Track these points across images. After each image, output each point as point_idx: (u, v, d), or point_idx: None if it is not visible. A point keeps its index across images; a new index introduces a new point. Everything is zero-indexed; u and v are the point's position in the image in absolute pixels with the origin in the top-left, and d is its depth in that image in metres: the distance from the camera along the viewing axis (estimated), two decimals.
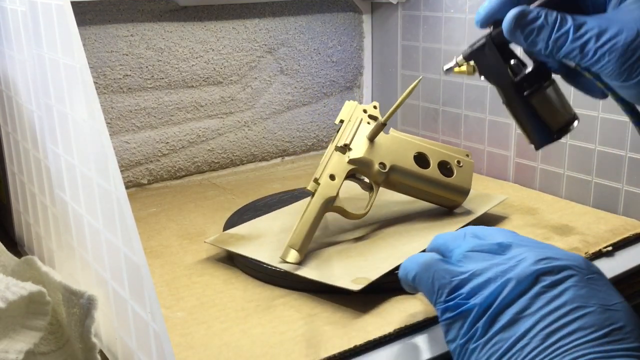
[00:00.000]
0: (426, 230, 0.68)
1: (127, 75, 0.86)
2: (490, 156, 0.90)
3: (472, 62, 0.51)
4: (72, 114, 0.48)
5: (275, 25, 0.97)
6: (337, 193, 0.64)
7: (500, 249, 0.47)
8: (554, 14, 0.45)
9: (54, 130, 0.53)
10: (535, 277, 0.43)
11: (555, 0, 0.46)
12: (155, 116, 0.90)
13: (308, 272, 0.59)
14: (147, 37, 0.87)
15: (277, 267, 0.60)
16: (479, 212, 0.71)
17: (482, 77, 0.52)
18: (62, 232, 0.57)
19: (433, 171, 0.70)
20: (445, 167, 0.71)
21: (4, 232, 0.78)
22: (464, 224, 0.68)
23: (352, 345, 0.50)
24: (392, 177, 0.68)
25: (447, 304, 0.45)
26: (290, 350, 0.50)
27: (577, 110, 0.51)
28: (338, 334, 0.52)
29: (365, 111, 0.72)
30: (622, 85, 0.44)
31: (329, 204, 0.63)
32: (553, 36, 0.45)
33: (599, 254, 0.66)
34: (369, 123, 0.70)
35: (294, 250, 0.60)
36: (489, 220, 0.73)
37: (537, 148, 0.51)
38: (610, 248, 0.66)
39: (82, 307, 0.46)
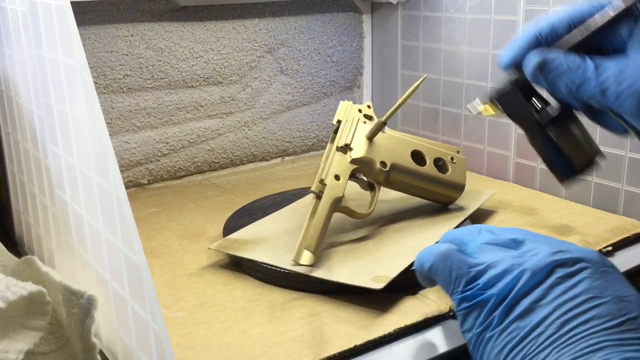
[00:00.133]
0: (428, 226, 0.68)
1: (127, 75, 0.86)
2: (490, 156, 0.90)
3: (497, 104, 0.52)
4: (72, 114, 0.48)
5: (275, 25, 0.97)
6: (343, 193, 0.64)
7: (515, 244, 0.48)
8: (575, 57, 0.46)
9: (54, 130, 0.53)
10: (550, 269, 0.44)
11: (576, 44, 0.47)
12: (155, 116, 0.90)
13: (324, 273, 0.58)
14: (147, 37, 0.87)
15: (291, 270, 0.59)
16: (472, 207, 0.72)
17: (508, 118, 0.52)
18: (62, 232, 0.57)
19: (430, 168, 0.71)
20: (440, 164, 0.73)
21: (4, 232, 0.78)
22: (462, 218, 0.70)
23: (352, 345, 0.50)
24: (392, 176, 0.69)
25: (464, 294, 0.46)
26: (290, 350, 0.50)
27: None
28: (338, 333, 0.52)
29: (360, 111, 0.73)
30: None
31: (337, 205, 0.63)
32: (574, 79, 0.46)
33: None
34: (365, 122, 0.71)
35: (309, 252, 0.59)
36: (489, 221, 0.73)
37: (562, 183, 0.52)
38: (610, 248, 0.66)
39: (82, 307, 0.46)
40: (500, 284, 0.45)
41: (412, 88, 0.67)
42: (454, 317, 0.55)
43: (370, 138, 0.69)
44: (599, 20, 0.46)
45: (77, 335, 0.47)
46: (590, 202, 0.78)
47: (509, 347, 0.43)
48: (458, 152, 0.74)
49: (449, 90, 0.94)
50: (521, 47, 0.48)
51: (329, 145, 0.70)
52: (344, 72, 1.06)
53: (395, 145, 0.70)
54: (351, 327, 0.53)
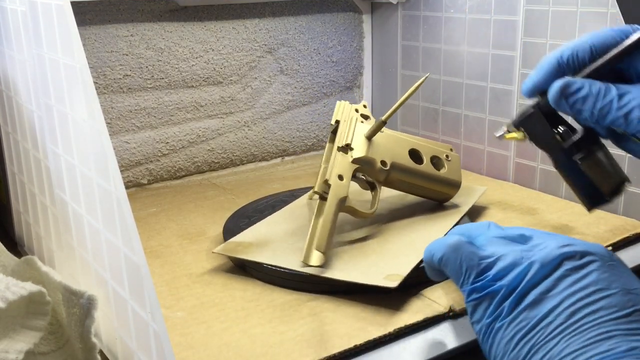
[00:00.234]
0: (428, 224, 0.69)
1: (127, 75, 0.86)
2: (490, 156, 0.90)
3: (522, 129, 0.53)
4: (72, 114, 0.48)
5: (275, 25, 0.97)
6: (347, 193, 0.64)
7: (523, 239, 0.49)
8: (598, 84, 0.47)
9: (54, 130, 0.53)
10: (559, 261, 0.45)
11: (600, 71, 0.48)
12: (155, 116, 0.90)
13: (335, 273, 0.58)
14: (147, 37, 0.87)
15: (302, 272, 0.59)
16: (468, 204, 0.74)
17: (533, 143, 0.53)
18: (62, 232, 0.57)
19: (427, 166, 0.72)
20: (436, 162, 0.73)
21: (4, 232, 0.78)
22: (460, 214, 0.71)
23: (352, 345, 0.50)
24: (392, 175, 0.69)
25: (474, 285, 0.47)
26: (290, 350, 0.50)
27: None
28: (338, 333, 0.52)
29: (357, 110, 0.73)
30: None
31: (342, 204, 0.63)
32: (597, 105, 0.47)
33: None
34: (362, 122, 0.71)
35: (319, 253, 0.59)
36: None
37: (589, 210, 0.53)
38: (610, 248, 0.66)
39: (82, 307, 0.46)
40: (510, 276, 0.45)
41: (414, 87, 0.67)
42: (454, 317, 0.55)
43: (370, 137, 0.69)
44: (620, 46, 0.47)
45: (77, 335, 0.47)
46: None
47: (518, 336, 0.43)
48: (451, 149, 0.76)
49: (449, 90, 0.94)
50: (544, 74, 0.50)
51: (328, 145, 0.70)
52: (344, 72, 1.06)
53: (393, 145, 0.71)
54: (351, 327, 0.53)
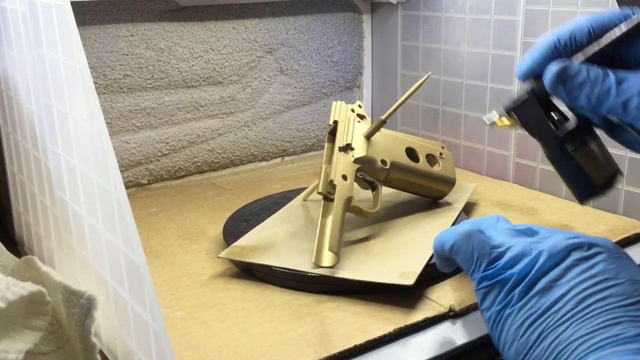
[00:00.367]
0: (428, 221, 0.69)
1: (127, 75, 0.86)
2: (490, 156, 0.90)
3: (514, 116, 0.51)
4: (72, 114, 0.48)
5: (275, 25, 0.97)
6: (352, 193, 0.64)
7: (530, 232, 0.50)
8: (596, 69, 0.45)
9: (54, 130, 0.53)
10: (567, 252, 0.45)
11: (598, 56, 0.46)
12: (155, 116, 0.90)
13: (349, 273, 0.58)
14: (147, 37, 0.87)
15: (316, 273, 0.58)
16: (462, 200, 0.75)
17: (525, 131, 0.51)
18: (62, 232, 0.57)
19: (424, 164, 0.73)
20: (430, 160, 0.74)
21: (4, 232, 0.78)
22: (456, 210, 0.72)
23: (352, 345, 0.50)
24: (392, 174, 0.69)
25: (485, 273, 0.47)
26: (290, 350, 0.50)
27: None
28: (338, 333, 0.52)
29: (353, 110, 0.74)
30: None
31: (348, 204, 0.63)
32: (595, 92, 0.45)
33: None
34: (359, 122, 0.72)
35: (331, 253, 0.58)
36: None
37: (581, 203, 0.51)
38: None
39: (82, 307, 0.46)
40: (520, 265, 0.46)
41: (415, 86, 0.67)
42: (454, 317, 0.55)
43: (369, 137, 0.69)
44: (619, 30, 0.45)
45: (77, 335, 0.47)
46: (590, 202, 0.78)
47: (528, 322, 0.44)
48: (443, 147, 0.77)
49: (449, 90, 0.94)
50: (540, 56, 0.48)
51: (326, 145, 0.70)
52: (344, 72, 1.06)
53: (390, 144, 0.71)
54: (351, 327, 0.53)
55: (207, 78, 0.93)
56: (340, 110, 0.73)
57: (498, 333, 0.46)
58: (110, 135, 0.86)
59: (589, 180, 0.50)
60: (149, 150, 0.90)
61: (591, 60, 0.46)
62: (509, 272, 0.46)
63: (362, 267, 0.59)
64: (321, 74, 1.03)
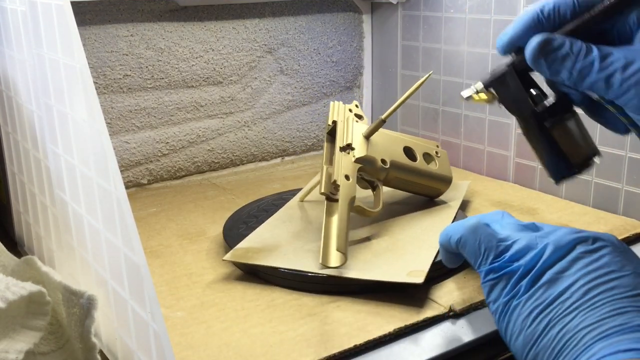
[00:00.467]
0: (427, 218, 0.70)
1: (127, 75, 0.86)
2: (490, 156, 0.90)
3: (492, 90, 0.50)
4: (72, 114, 0.48)
5: (275, 25, 0.97)
6: (355, 193, 0.64)
7: (535, 227, 0.51)
8: (579, 43, 0.44)
9: (54, 130, 0.53)
10: (573, 245, 0.46)
11: (581, 30, 0.44)
12: (155, 116, 0.90)
13: (358, 273, 0.58)
14: (147, 37, 0.87)
15: (323, 274, 0.58)
16: (458, 198, 0.75)
17: (502, 106, 0.50)
18: (62, 232, 0.57)
19: (421, 163, 0.73)
20: (427, 158, 0.75)
21: (4, 232, 0.78)
22: (454, 208, 0.73)
23: (352, 345, 0.50)
24: (391, 173, 0.70)
25: (492, 266, 0.48)
26: (290, 350, 0.50)
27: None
28: (338, 333, 0.52)
29: (350, 110, 0.74)
30: None
31: (352, 204, 0.63)
32: (577, 66, 0.44)
33: None
34: (357, 121, 0.72)
35: (339, 253, 0.58)
36: None
37: (556, 182, 0.51)
38: None
39: (82, 307, 0.46)
40: (527, 257, 0.47)
41: (415, 85, 0.67)
42: (454, 317, 0.55)
43: (368, 137, 0.69)
44: (604, 4, 0.44)
45: (77, 335, 0.47)
46: (590, 202, 0.78)
47: (535, 312, 0.44)
48: (437, 146, 0.77)
49: (449, 90, 0.94)
50: (521, 28, 0.46)
51: (325, 145, 0.71)
52: (344, 72, 1.06)
53: (388, 143, 0.71)
54: (351, 327, 0.53)
55: (207, 78, 0.93)
56: (338, 111, 0.73)
57: (505, 324, 0.46)
58: (110, 135, 0.86)
59: (565, 158, 0.49)
60: (149, 150, 0.90)
61: (575, 34, 0.44)
62: (516, 264, 0.47)
63: (369, 266, 0.59)
64: (321, 74, 1.03)
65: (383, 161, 0.69)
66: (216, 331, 0.53)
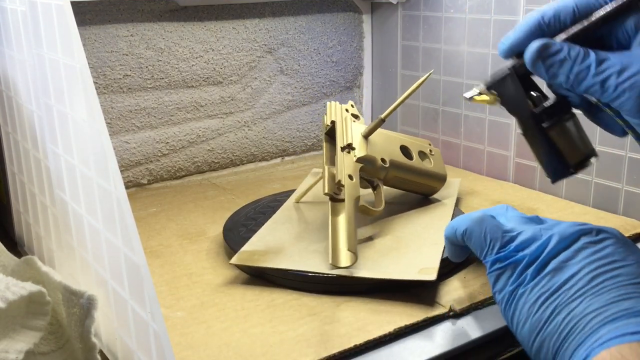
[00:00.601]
0: (426, 215, 0.71)
1: (127, 75, 0.86)
2: (490, 156, 0.90)
3: (493, 92, 0.51)
4: (72, 114, 0.48)
5: (275, 25, 0.97)
6: (359, 192, 0.64)
7: (539, 220, 0.52)
8: (577, 48, 0.46)
9: (54, 130, 0.53)
10: (577, 236, 0.47)
11: (579, 36, 0.46)
12: (155, 116, 0.90)
13: (369, 272, 0.58)
14: (147, 37, 0.87)
15: (334, 274, 0.58)
16: (453, 195, 0.76)
17: (503, 107, 0.52)
18: (62, 232, 0.57)
19: (417, 162, 0.74)
20: (422, 157, 0.76)
21: (4, 232, 0.78)
22: (451, 205, 0.74)
23: (352, 345, 0.50)
24: (390, 172, 0.70)
25: (497, 255, 0.49)
26: (290, 350, 0.50)
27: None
28: (338, 333, 0.52)
29: (346, 110, 0.74)
30: None
31: (357, 204, 0.63)
32: (574, 70, 0.45)
33: None
34: (354, 121, 0.72)
35: (349, 253, 0.58)
36: None
37: (553, 181, 0.52)
38: None
39: (82, 307, 0.46)
40: (532, 247, 0.48)
41: (416, 84, 0.68)
42: (454, 317, 0.55)
43: (367, 136, 0.69)
44: (604, 11, 0.46)
45: (77, 335, 0.47)
46: (590, 202, 0.78)
47: (541, 299, 0.45)
48: (430, 144, 0.78)
49: (449, 90, 0.94)
50: (523, 34, 0.48)
51: (325, 146, 0.71)
52: (344, 72, 1.06)
53: (386, 142, 0.72)
54: (351, 327, 0.53)
55: (207, 78, 0.93)
56: (335, 111, 0.73)
57: (511, 312, 0.47)
58: (110, 135, 0.86)
59: (562, 158, 0.50)
60: (149, 150, 0.90)
61: (574, 39, 0.46)
62: (521, 254, 0.48)
63: (378, 265, 0.59)
64: (321, 74, 1.03)
65: (383, 160, 0.69)
66: (216, 331, 0.53)
